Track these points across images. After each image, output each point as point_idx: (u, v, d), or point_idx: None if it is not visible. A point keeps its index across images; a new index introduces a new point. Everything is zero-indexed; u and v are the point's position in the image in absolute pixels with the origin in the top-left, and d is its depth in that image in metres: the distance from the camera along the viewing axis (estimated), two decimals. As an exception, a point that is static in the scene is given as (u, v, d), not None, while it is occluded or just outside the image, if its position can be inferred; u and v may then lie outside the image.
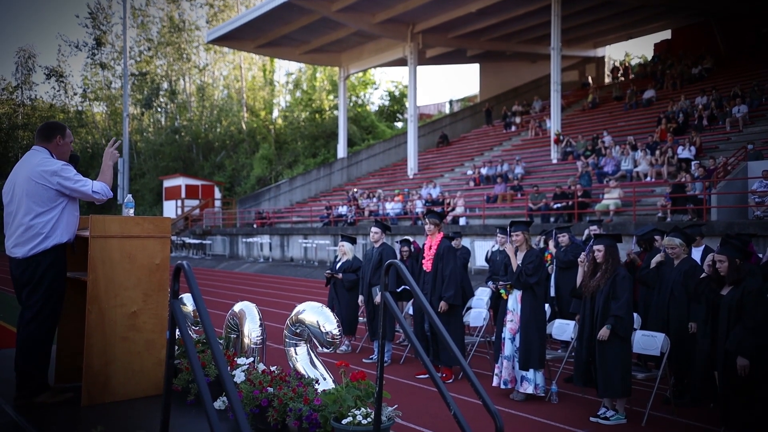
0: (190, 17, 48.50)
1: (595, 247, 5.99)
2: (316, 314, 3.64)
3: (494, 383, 6.73)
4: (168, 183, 38.47)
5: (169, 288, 4.50)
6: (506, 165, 24.52)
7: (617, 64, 36.24)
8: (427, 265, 7.43)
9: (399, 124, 44.98)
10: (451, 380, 7.43)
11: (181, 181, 37.41)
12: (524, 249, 6.71)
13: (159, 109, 48.45)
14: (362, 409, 2.98)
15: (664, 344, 6.01)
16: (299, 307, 3.79)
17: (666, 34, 34.14)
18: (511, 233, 6.73)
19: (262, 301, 15.40)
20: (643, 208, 17.43)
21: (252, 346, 4.17)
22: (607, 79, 35.78)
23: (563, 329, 6.96)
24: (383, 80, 69.46)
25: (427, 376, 7.57)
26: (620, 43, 38.03)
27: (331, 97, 42.08)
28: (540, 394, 6.55)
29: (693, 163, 17.36)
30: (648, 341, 6.11)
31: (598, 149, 22.32)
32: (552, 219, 18.81)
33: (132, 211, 4.38)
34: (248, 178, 39.77)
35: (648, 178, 18.82)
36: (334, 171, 34.53)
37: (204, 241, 31.57)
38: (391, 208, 24.74)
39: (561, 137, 24.03)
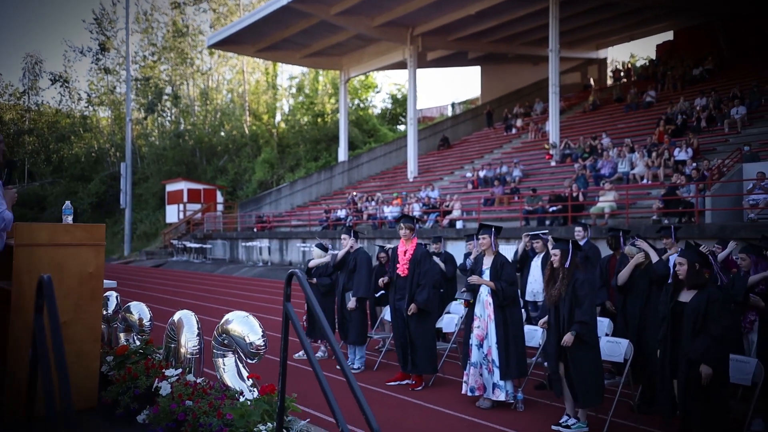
0: (194, 22, 48.73)
1: (552, 251, 5.88)
2: (242, 325, 3.56)
3: (463, 390, 6.62)
4: (170, 187, 38.55)
5: (102, 297, 4.45)
6: (505, 167, 24.39)
7: (618, 65, 36.06)
8: (402, 269, 7.35)
9: (402, 127, 44.89)
10: (420, 387, 7.32)
11: (183, 185, 37.49)
12: (490, 254, 6.61)
13: (162, 113, 48.60)
14: (268, 423, 2.89)
15: (627, 350, 5.90)
16: (227, 317, 3.72)
17: (669, 35, 33.89)
18: (478, 237, 6.64)
19: (252, 306, 15.33)
20: (639, 211, 17.25)
21: (188, 356, 4.09)
22: (609, 81, 35.55)
23: (531, 335, 6.84)
24: (386, 83, 69.52)
25: (397, 383, 7.47)
26: (625, 45, 37.84)
27: (333, 100, 42.08)
28: (510, 401, 6.45)
29: (689, 166, 17.15)
30: (613, 348, 6.00)
31: (596, 151, 22.16)
32: (548, 222, 18.66)
33: (70, 218, 4.32)
34: (250, 182, 39.82)
35: (645, 181, 18.65)
36: (335, 174, 34.50)
37: (204, 245, 31.58)
38: (389, 211, 24.65)
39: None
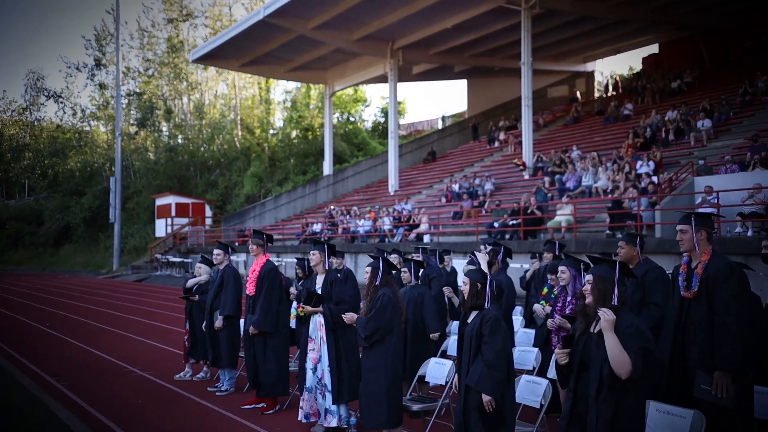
0: (192, 37, 49.00)
1: (366, 269, 5.66)
2: None
3: (299, 417, 6.33)
4: (159, 201, 38.67)
5: None
6: (477, 181, 24.11)
7: (606, 79, 35.75)
8: (249, 288, 7.11)
9: (393, 141, 44.68)
10: (271, 411, 7.04)
11: (171, 200, 37.57)
12: (322, 272, 6.35)
13: (155, 128, 48.70)
14: None
15: (450, 372, 5.59)
16: None
17: (654, 48, 33.42)
18: (311, 252, 6.39)
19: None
20: (596, 225, 16.86)
21: None
22: (597, 94, 35.15)
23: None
24: (377, 96, 69.54)
25: (252, 406, 7.18)
26: (623, 58, 37.40)
27: (321, 114, 42.09)
28: (344, 426, 6.15)
29: (646, 178, 16.73)
30: (438, 369, 5.70)
31: (565, 164, 21.80)
32: (507, 236, 18.32)
33: None
34: (239, 196, 39.82)
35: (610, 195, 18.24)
36: (319, 188, 34.37)
37: (185, 260, 31.52)
38: (361, 225, 24.44)
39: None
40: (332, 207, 28.92)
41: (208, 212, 38.43)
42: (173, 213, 37.12)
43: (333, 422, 6.11)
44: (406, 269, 6.93)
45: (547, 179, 21.34)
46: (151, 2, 76.76)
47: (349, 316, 5.71)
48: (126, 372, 9.37)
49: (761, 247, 5.15)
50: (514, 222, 18.29)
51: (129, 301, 21.05)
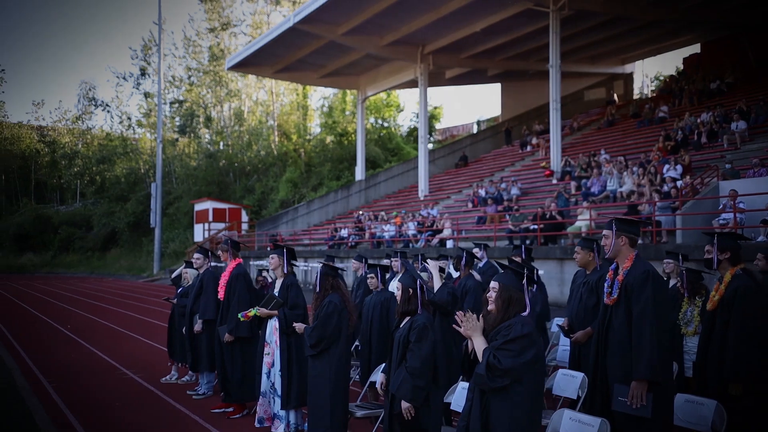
0: (234, 45, 49.86)
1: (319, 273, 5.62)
2: None
3: (255, 421, 6.28)
4: (198, 207, 39.40)
5: None
6: (503, 185, 23.78)
7: (646, 80, 34.80)
8: (221, 293, 7.11)
9: (429, 146, 44.50)
10: (238, 415, 7.01)
11: (208, 205, 38.21)
12: (280, 275, 6.30)
13: (192, 135, 49.65)
14: None
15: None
16: None
17: (696, 48, 32.34)
18: (270, 256, 6.35)
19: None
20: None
21: None
22: (636, 96, 34.24)
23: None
24: (413, 101, 69.43)
25: (222, 410, 7.18)
26: (668, 58, 36.31)
27: (356, 119, 42.28)
28: (292, 432, 6.08)
29: (669, 183, 16.16)
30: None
31: (592, 168, 21.28)
32: (528, 241, 17.97)
33: None
34: (274, 202, 40.28)
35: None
36: (351, 193, 34.44)
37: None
38: (386, 230, 24.37)
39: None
40: (361, 212, 28.95)
41: (245, 217, 38.96)
42: (210, 218, 37.75)
43: (280, 428, 6.06)
44: (372, 275, 6.81)
45: (573, 184, 20.92)
46: (194, 12, 78.72)
47: (299, 326, 5.65)
48: (118, 374, 9.52)
49: (704, 251, 4.88)
50: (535, 227, 17.96)
51: (154, 303, 21.46)
